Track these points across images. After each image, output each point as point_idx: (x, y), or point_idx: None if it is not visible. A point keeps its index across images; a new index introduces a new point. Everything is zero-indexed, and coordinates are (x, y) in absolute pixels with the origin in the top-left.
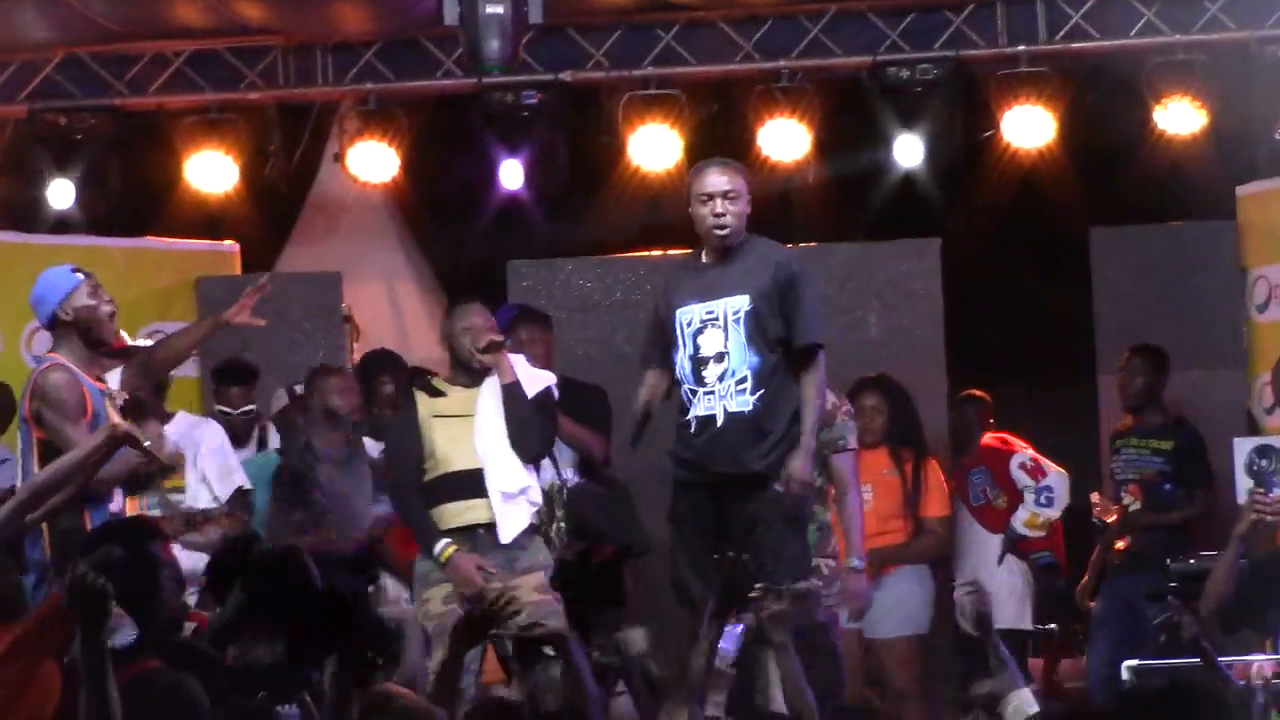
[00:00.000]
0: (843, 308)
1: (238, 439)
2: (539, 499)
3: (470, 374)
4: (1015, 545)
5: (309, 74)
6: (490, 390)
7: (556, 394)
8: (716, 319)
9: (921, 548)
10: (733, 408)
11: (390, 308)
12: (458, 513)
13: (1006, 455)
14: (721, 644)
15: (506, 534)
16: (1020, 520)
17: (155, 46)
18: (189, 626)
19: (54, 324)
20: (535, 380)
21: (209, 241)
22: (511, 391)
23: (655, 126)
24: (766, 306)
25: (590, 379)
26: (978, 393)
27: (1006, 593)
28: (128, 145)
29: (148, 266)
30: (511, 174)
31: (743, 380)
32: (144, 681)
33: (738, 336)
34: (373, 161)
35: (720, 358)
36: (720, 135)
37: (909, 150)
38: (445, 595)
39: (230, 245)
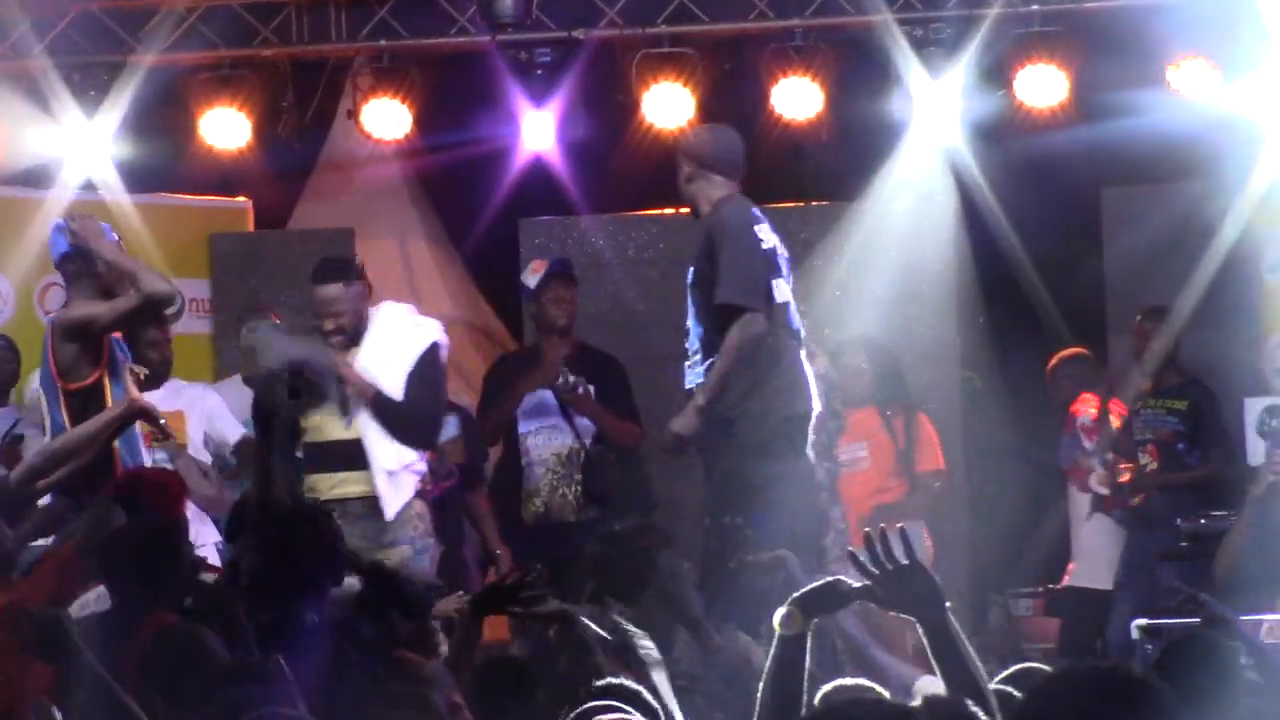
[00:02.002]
0: (853, 267)
1: None
2: (424, 467)
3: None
4: (1101, 504)
5: (322, 30)
6: (370, 353)
7: (444, 348)
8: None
9: (916, 504)
10: (691, 381)
11: (402, 265)
12: (331, 485)
13: (1075, 418)
14: None
15: (390, 510)
16: (1094, 480)
17: (169, 3)
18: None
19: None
20: (415, 338)
21: (222, 198)
22: (375, 404)
23: (668, 85)
24: (701, 275)
25: (603, 337)
26: (1075, 351)
27: (1090, 551)
28: (141, 101)
29: (161, 223)
30: (538, 131)
31: (696, 352)
32: (162, 635)
33: (691, 308)
34: (386, 119)
35: (687, 332)
36: (733, 94)
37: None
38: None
39: (243, 202)
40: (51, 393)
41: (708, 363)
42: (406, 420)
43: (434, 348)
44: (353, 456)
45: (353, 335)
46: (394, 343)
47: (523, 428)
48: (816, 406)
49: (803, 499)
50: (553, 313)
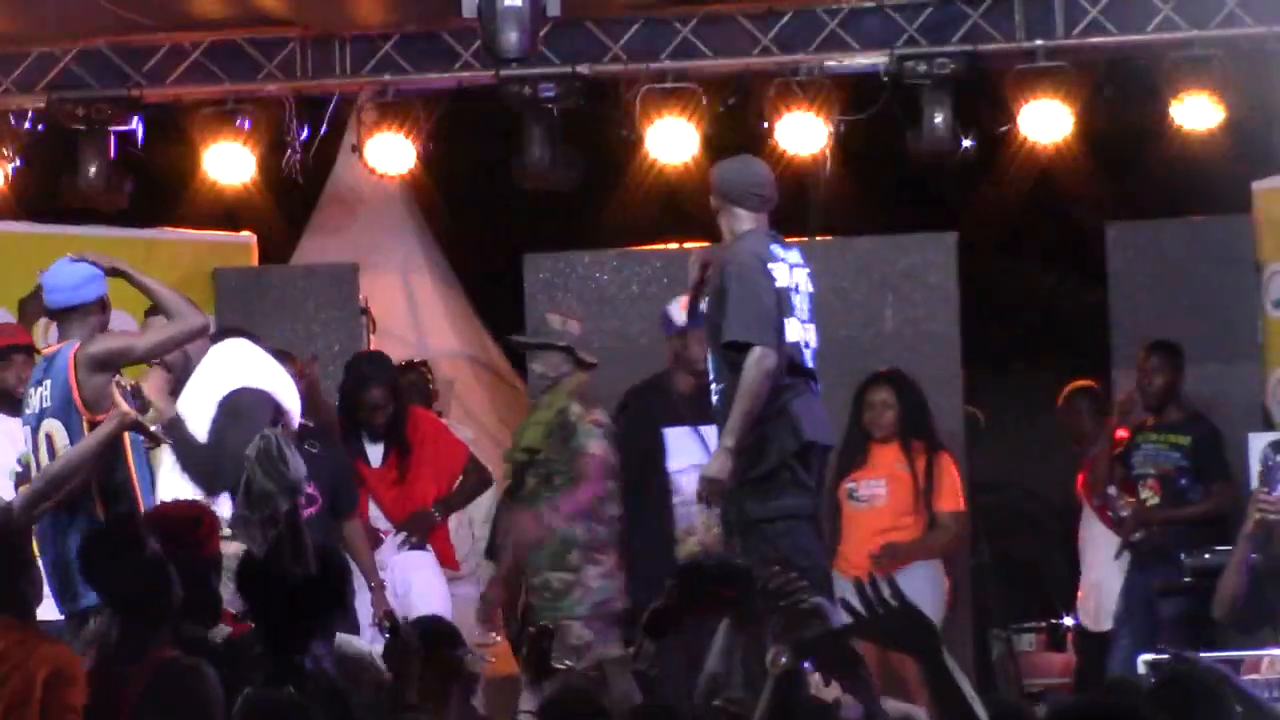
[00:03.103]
0: (858, 302)
1: None
2: (225, 512)
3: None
4: (1130, 542)
5: (327, 65)
6: (191, 387)
7: (261, 392)
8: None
9: (934, 543)
10: (714, 397)
11: (406, 300)
12: None
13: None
14: None
15: None
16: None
17: (173, 38)
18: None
19: (72, 311)
20: (229, 381)
21: (226, 232)
22: (168, 432)
23: (672, 119)
24: (713, 310)
25: (608, 372)
26: (1087, 383)
27: (1118, 589)
28: (145, 136)
29: (165, 257)
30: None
31: (711, 384)
32: (161, 671)
33: (706, 335)
34: (390, 153)
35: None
36: (737, 129)
37: (926, 145)
38: None
39: (247, 236)
40: (73, 423)
41: (720, 387)
42: (186, 458)
43: (240, 392)
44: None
45: (182, 367)
46: (211, 380)
47: (671, 466)
48: (826, 441)
49: (807, 533)
50: (696, 352)
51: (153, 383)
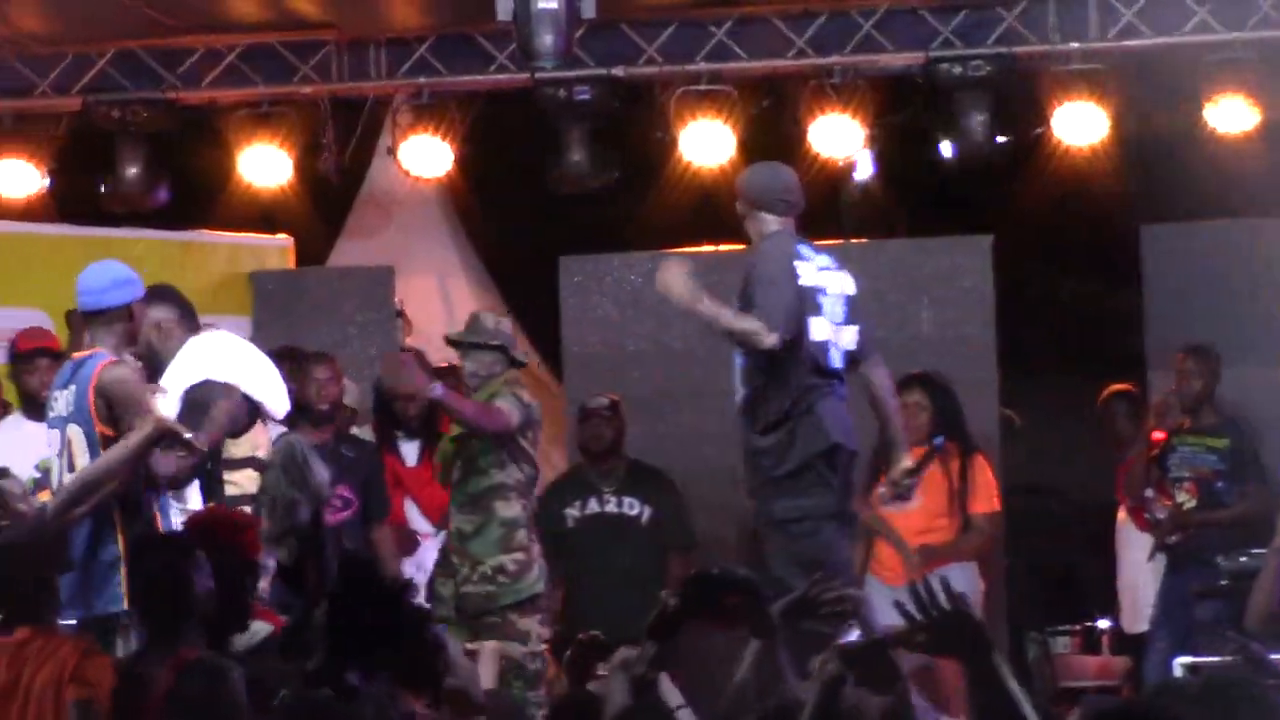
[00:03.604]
0: (893, 304)
1: None
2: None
3: None
4: (1164, 544)
5: (362, 68)
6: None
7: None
8: None
9: (968, 545)
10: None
11: (442, 302)
12: None
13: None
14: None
15: None
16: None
17: (208, 40)
18: (262, 627)
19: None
20: (194, 372)
21: (262, 235)
22: None
23: (707, 122)
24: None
25: (641, 374)
26: (1124, 387)
27: (1153, 591)
28: (181, 139)
29: (201, 260)
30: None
31: (738, 387)
32: (186, 671)
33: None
34: (426, 156)
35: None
36: (772, 131)
37: (960, 147)
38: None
39: (284, 239)
40: (87, 432)
41: (744, 392)
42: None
43: (203, 385)
44: None
45: (148, 359)
46: (180, 373)
47: None
48: (851, 445)
49: (833, 533)
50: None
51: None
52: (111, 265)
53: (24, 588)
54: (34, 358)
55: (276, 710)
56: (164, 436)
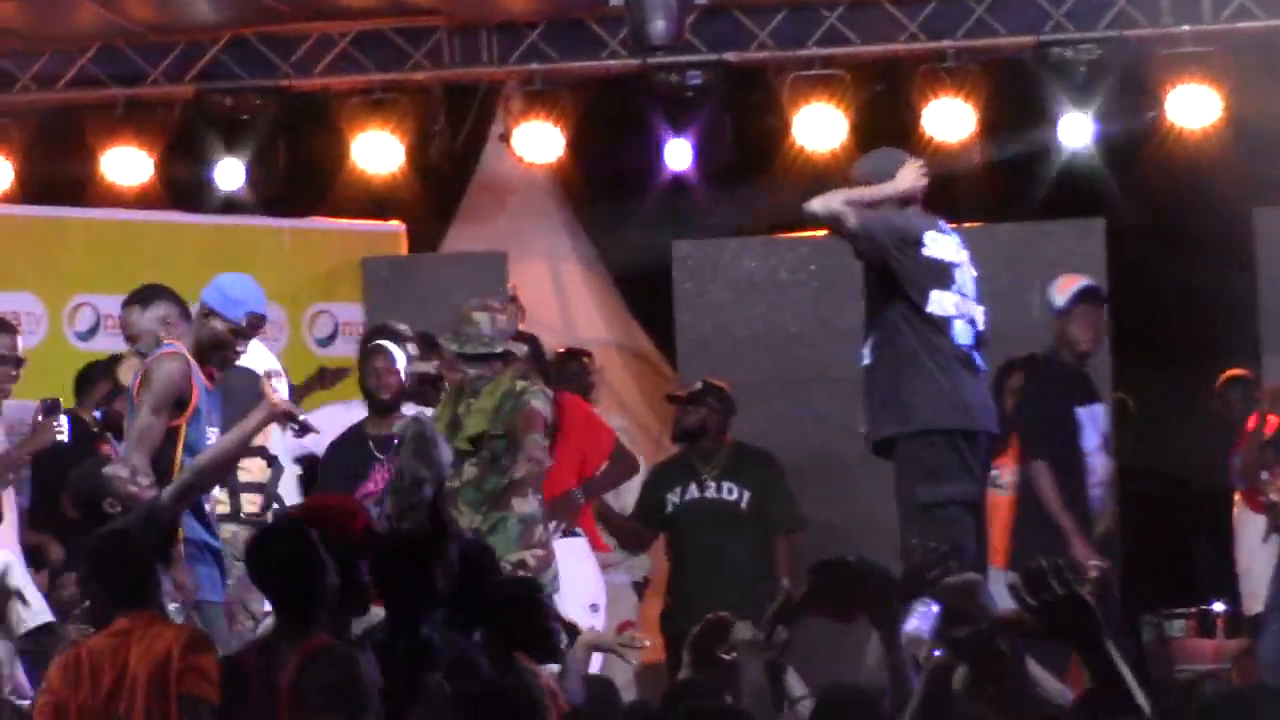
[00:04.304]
0: (1005, 289)
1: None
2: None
3: None
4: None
5: (474, 54)
6: None
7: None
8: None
9: None
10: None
11: (554, 288)
12: None
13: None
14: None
15: None
16: (1274, 493)
17: (320, 27)
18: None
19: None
20: None
21: (374, 221)
22: None
23: (820, 106)
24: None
25: (754, 359)
26: (1240, 372)
27: (1268, 573)
28: (293, 126)
29: (313, 246)
30: (678, 154)
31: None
32: (315, 658)
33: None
34: (538, 142)
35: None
36: (885, 115)
37: (1074, 130)
38: None
39: (396, 225)
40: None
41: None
42: None
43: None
44: None
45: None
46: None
47: (1086, 444)
48: (993, 429)
49: (971, 521)
50: (1077, 333)
51: (131, 365)
52: (243, 282)
53: (135, 572)
54: None
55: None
56: (279, 419)
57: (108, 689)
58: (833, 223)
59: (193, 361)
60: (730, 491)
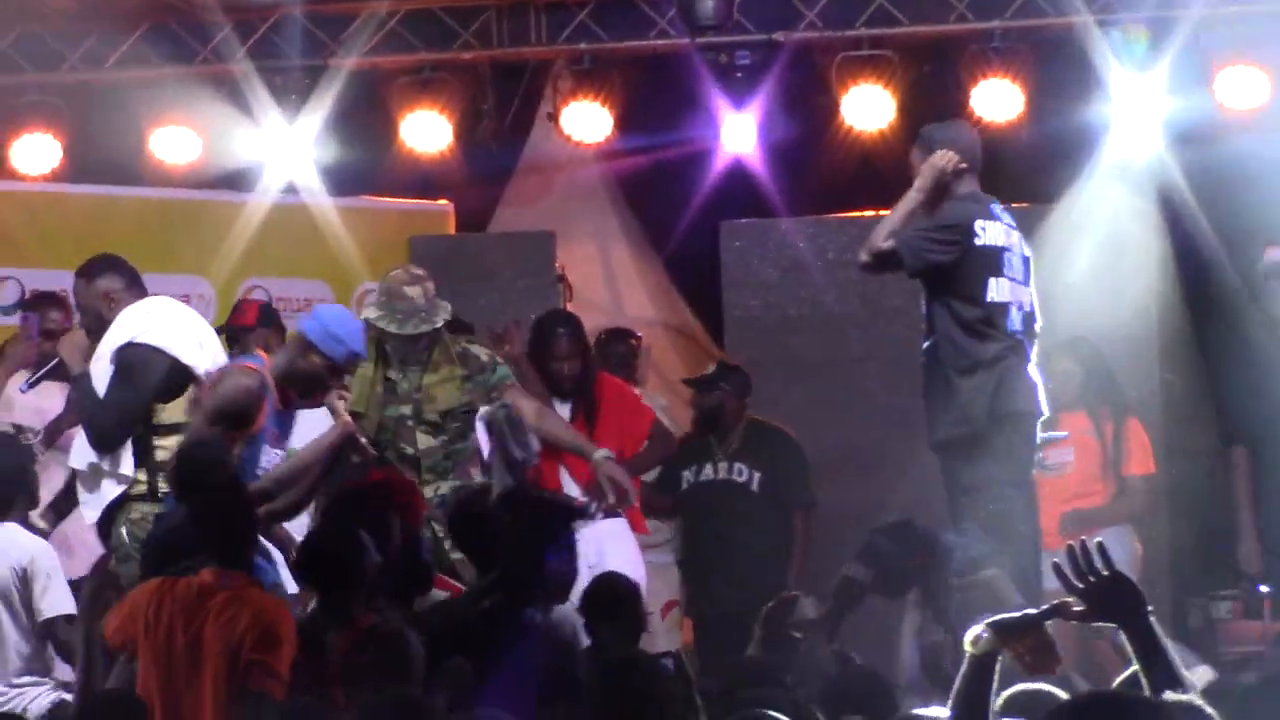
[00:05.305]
0: (1053, 270)
1: None
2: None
3: None
4: None
5: (522, 33)
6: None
7: (141, 347)
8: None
9: (1122, 507)
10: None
11: (603, 268)
12: None
13: None
14: None
15: (88, 515)
16: None
17: (369, 7)
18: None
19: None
20: (117, 338)
21: (423, 201)
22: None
23: (868, 87)
24: None
25: (802, 340)
26: None
27: None
28: (343, 105)
29: (362, 225)
30: (731, 133)
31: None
32: (366, 635)
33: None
34: (586, 121)
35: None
36: (933, 95)
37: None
38: None
39: (444, 205)
40: None
41: (926, 342)
42: (83, 414)
43: (127, 347)
44: None
45: (97, 330)
46: (112, 338)
47: None
48: (1036, 410)
49: (1016, 501)
50: None
51: (70, 339)
52: (345, 319)
53: (231, 532)
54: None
55: None
56: (346, 443)
57: (180, 650)
58: (889, 260)
59: (269, 382)
60: (740, 473)
